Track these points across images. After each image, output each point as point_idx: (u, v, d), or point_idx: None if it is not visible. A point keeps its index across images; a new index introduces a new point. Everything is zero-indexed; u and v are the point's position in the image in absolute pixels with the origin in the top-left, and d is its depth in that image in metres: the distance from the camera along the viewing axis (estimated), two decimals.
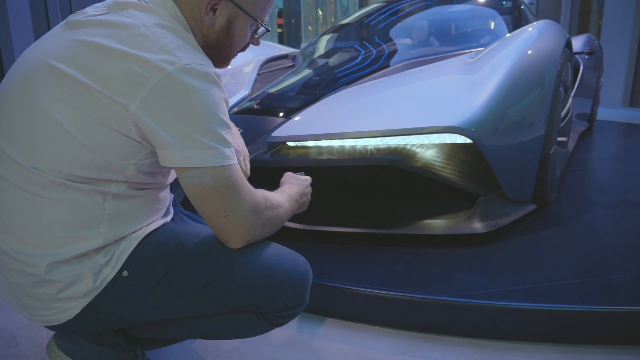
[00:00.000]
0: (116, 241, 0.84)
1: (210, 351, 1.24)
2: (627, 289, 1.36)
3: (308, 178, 1.14)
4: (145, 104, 0.75)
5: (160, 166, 0.84)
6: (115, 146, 0.78)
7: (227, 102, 0.83)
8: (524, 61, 1.76)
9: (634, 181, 2.42)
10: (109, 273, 0.83)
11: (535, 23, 2.07)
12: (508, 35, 2.05)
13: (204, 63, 0.80)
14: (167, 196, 0.96)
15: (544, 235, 1.72)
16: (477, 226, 1.64)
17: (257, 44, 0.97)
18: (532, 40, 1.89)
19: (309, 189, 1.11)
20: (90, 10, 0.85)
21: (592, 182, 2.43)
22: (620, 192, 2.26)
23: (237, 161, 0.83)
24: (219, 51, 0.91)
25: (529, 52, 1.81)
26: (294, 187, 1.05)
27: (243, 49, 0.96)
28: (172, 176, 0.95)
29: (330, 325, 1.36)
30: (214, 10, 0.86)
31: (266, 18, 0.94)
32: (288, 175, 1.12)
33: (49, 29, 0.89)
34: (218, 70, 0.94)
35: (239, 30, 0.90)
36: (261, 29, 0.95)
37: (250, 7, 0.88)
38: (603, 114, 4.47)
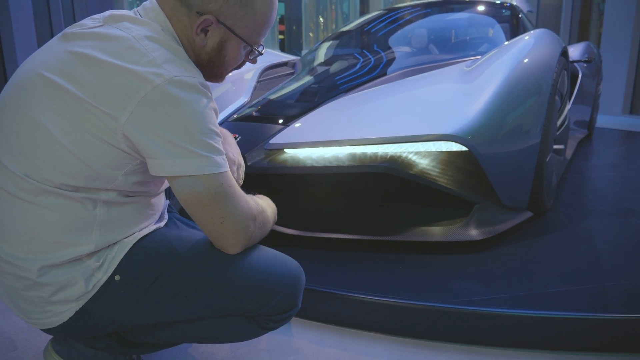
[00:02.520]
0: (108, 246, 0.85)
1: (206, 357, 1.24)
2: (622, 296, 1.36)
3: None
4: (134, 116, 0.76)
5: (150, 175, 0.85)
6: (104, 157, 0.79)
7: (216, 112, 0.85)
8: (520, 70, 1.78)
9: (632, 189, 2.43)
10: (101, 277, 0.84)
11: (531, 32, 2.09)
12: (505, 43, 2.07)
13: (192, 75, 0.81)
14: (160, 202, 0.97)
15: (540, 243, 1.73)
16: (473, 233, 1.65)
17: (254, 63, 0.98)
18: (528, 48, 1.91)
19: None
20: (87, 22, 0.87)
21: (590, 189, 2.44)
22: (618, 199, 2.26)
23: (229, 168, 0.84)
24: (211, 69, 0.92)
25: (525, 60, 1.83)
26: (264, 197, 1.06)
27: (238, 67, 0.97)
28: (165, 184, 0.96)
29: (325, 331, 1.37)
30: (205, 31, 0.87)
31: (261, 40, 0.94)
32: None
33: (52, 37, 0.91)
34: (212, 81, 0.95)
35: (230, 52, 0.91)
36: (256, 52, 0.95)
37: (242, 30, 0.89)
38: (603, 121, 4.48)
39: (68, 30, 0.86)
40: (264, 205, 0.96)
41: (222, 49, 0.90)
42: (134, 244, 0.87)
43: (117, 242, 0.86)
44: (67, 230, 0.81)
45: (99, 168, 0.80)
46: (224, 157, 0.83)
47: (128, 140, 0.79)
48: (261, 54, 0.95)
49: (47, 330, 0.91)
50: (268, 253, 0.94)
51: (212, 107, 0.83)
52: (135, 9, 0.90)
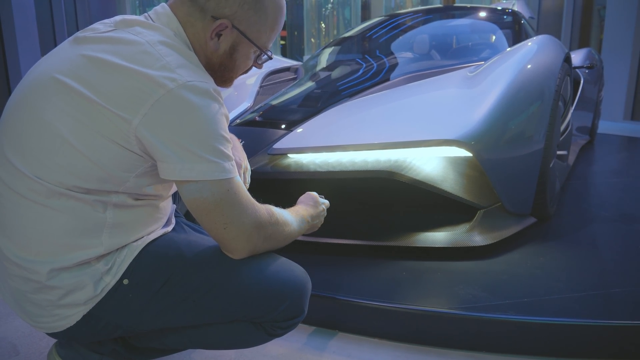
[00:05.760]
0: (117, 249, 0.85)
1: None
2: (626, 303, 1.36)
3: (326, 202, 1.14)
4: (147, 119, 0.77)
5: (160, 178, 0.85)
6: (116, 159, 0.80)
7: (227, 118, 0.85)
8: (523, 75, 1.78)
9: (635, 195, 2.43)
10: (110, 281, 0.84)
11: (534, 38, 2.10)
12: (508, 49, 2.07)
13: (205, 80, 0.82)
14: (168, 206, 0.98)
15: (544, 249, 1.73)
16: (477, 239, 1.65)
17: (260, 68, 0.99)
18: (531, 54, 1.92)
19: (324, 213, 1.11)
20: (98, 26, 0.87)
21: (592, 195, 2.44)
22: (620, 205, 2.26)
23: (237, 175, 0.85)
24: (221, 73, 0.93)
25: (528, 66, 1.83)
26: (309, 208, 1.06)
27: (245, 72, 0.98)
28: (174, 188, 0.96)
29: (329, 337, 1.36)
30: (218, 35, 0.89)
31: (270, 46, 0.96)
32: (307, 196, 1.11)
33: (55, 44, 0.93)
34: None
35: (241, 56, 0.92)
36: (264, 56, 0.96)
37: (254, 35, 0.90)
38: (604, 127, 4.48)
39: (80, 34, 0.86)
40: (288, 218, 0.95)
41: (234, 53, 0.91)
42: (143, 248, 0.87)
43: (126, 245, 0.86)
44: (77, 233, 0.81)
45: (111, 170, 0.80)
46: (233, 163, 0.83)
47: (140, 143, 0.79)
48: (270, 58, 0.97)
49: (52, 334, 0.90)
50: (275, 259, 0.94)
51: (223, 113, 0.83)
52: (146, 14, 0.90)
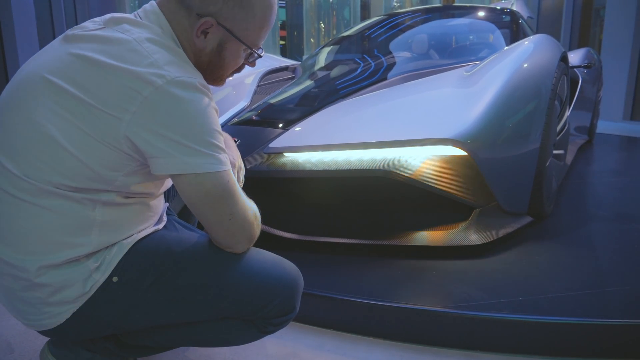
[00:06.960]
0: (107, 247, 0.85)
1: None
2: (622, 302, 1.36)
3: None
4: (137, 117, 0.77)
5: (150, 177, 0.85)
6: (105, 158, 0.80)
7: (216, 111, 0.85)
8: (520, 74, 1.78)
9: (633, 195, 2.42)
10: (99, 278, 0.84)
11: (531, 37, 2.10)
12: (505, 48, 2.07)
13: (192, 75, 0.82)
14: (160, 204, 0.97)
15: (540, 248, 1.72)
16: (473, 238, 1.64)
17: (253, 66, 0.98)
18: (527, 54, 1.92)
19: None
20: (88, 24, 0.87)
21: (590, 195, 2.43)
22: (619, 205, 2.26)
23: (230, 167, 0.85)
24: (211, 72, 0.93)
25: (525, 65, 1.83)
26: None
27: (238, 70, 0.97)
28: (165, 186, 0.96)
29: (324, 336, 1.36)
30: (205, 33, 0.88)
31: (260, 43, 0.94)
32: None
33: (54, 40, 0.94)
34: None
35: (230, 54, 0.92)
36: (255, 55, 0.95)
37: (242, 33, 0.89)
38: (603, 127, 4.48)
39: (69, 32, 0.87)
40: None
41: (222, 51, 0.90)
42: (133, 246, 0.87)
43: (115, 243, 0.86)
44: (66, 231, 0.81)
45: (99, 169, 0.80)
46: (227, 155, 0.84)
47: (129, 142, 0.79)
48: (260, 56, 0.96)
49: (44, 332, 0.91)
50: (266, 256, 0.94)
51: (213, 106, 0.83)
52: (136, 12, 0.91)
